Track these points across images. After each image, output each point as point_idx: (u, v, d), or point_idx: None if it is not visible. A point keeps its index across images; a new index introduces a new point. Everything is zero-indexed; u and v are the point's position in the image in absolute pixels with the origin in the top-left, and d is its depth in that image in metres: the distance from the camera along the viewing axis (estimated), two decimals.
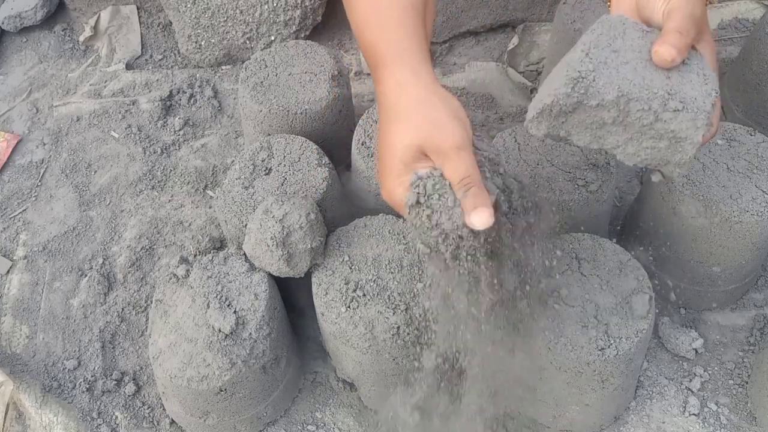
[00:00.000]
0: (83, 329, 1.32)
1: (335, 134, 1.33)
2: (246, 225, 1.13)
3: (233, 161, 1.21)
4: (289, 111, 1.28)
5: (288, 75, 1.33)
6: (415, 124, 0.82)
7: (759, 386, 1.10)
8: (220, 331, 1.03)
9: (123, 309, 1.34)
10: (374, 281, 1.03)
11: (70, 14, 1.86)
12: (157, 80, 1.70)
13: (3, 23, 1.82)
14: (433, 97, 0.84)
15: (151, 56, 1.79)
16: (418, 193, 0.82)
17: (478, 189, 0.80)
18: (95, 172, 1.57)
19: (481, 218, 0.78)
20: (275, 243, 1.03)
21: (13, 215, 1.52)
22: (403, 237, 1.07)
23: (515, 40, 1.66)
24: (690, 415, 1.12)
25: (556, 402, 1.06)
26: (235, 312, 1.04)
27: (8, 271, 1.43)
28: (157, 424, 1.20)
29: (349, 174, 1.30)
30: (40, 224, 1.49)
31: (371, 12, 0.89)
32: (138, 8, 1.82)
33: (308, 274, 1.08)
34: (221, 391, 1.03)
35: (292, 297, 1.19)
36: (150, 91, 1.68)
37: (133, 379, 1.25)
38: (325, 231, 1.08)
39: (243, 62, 1.67)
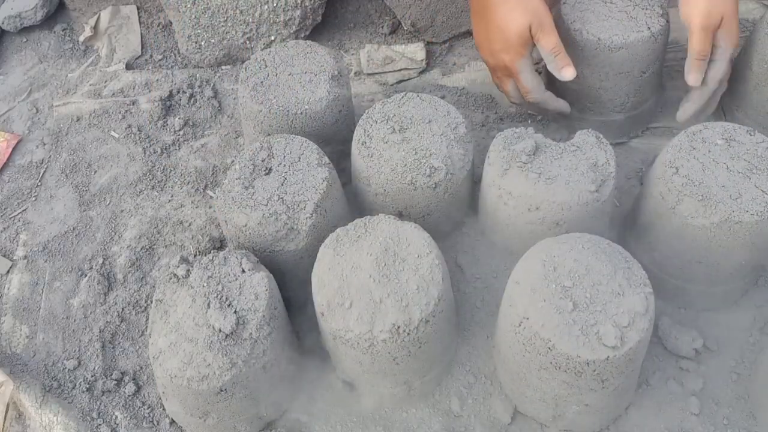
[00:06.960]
0: (83, 329, 1.32)
1: (335, 134, 1.33)
2: (246, 225, 1.13)
3: (233, 161, 1.21)
4: (289, 111, 1.28)
5: (288, 75, 1.33)
6: (523, 8, 1.22)
7: (759, 386, 1.10)
8: (220, 331, 1.03)
9: (123, 309, 1.34)
10: (374, 281, 1.03)
11: (70, 14, 1.87)
12: (157, 80, 1.70)
13: (3, 23, 1.83)
14: None
15: (151, 56, 1.79)
16: None
17: (563, 55, 1.24)
18: (95, 172, 1.57)
19: (566, 74, 1.25)
20: None
21: (13, 215, 1.52)
22: (403, 236, 1.07)
23: None
24: (690, 415, 1.12)
25: (556, 402, 1.06)
26: (235, 312, 1.04)
27: (8, 271, 1.43)
28: (157, 424, 1.20)
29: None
30: (40, 224, 1.49)
31: None
32: (138, 8, 1.83)
33: (308, 274, 1.08)
34: (221, 391, 1.03)
35: (292, 296, 1.19)
36: (150, 91, 1.68)
37: (133, 379, 1.25)
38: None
39: (243, 62, 1.68)
